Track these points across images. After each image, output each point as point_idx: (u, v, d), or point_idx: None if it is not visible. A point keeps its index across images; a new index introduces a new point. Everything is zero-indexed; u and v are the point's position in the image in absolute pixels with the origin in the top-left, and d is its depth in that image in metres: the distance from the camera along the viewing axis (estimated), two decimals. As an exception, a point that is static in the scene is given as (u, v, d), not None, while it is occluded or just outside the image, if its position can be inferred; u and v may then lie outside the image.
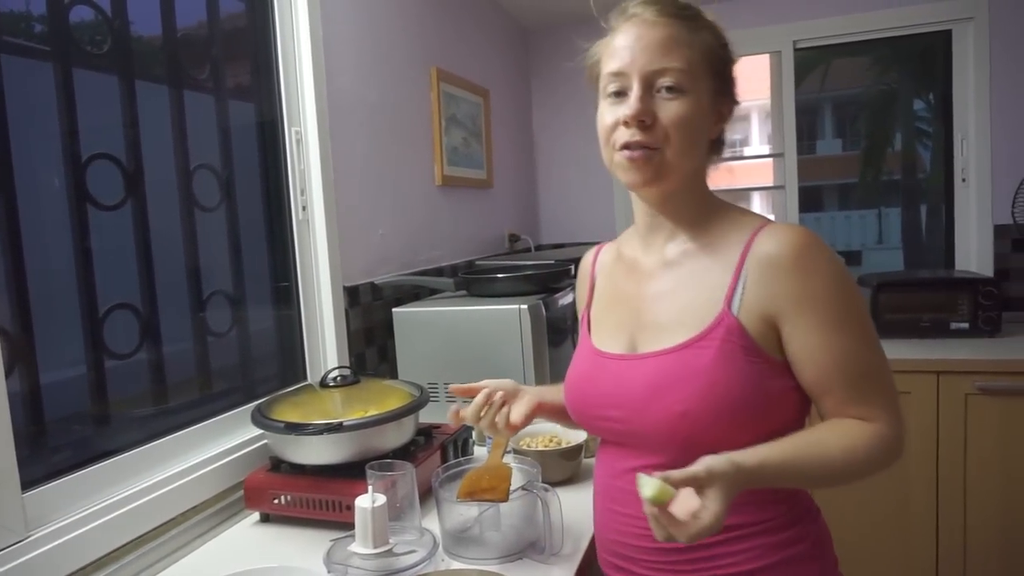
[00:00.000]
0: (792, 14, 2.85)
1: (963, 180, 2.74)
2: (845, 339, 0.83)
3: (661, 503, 0.71)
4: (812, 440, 0.82)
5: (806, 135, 3.05)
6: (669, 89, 0.85)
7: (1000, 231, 2.65)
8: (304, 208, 1.61)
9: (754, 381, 0.83)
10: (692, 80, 0.85)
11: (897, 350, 2.27)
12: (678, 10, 0.88)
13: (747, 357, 0.83)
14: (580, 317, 1.08)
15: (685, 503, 0.72)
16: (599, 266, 1.08)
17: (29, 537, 0.96)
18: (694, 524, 0.70)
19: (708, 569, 0.87)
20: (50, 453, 1.08)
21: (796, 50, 2.88)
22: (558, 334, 1.73)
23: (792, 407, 0.86)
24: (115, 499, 1.09)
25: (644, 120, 0.85)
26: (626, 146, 0.86)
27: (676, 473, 0.72)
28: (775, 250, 0.84)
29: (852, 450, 0.81)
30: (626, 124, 0.85)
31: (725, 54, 0.91)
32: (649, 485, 0.71)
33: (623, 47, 0.87)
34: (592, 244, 1.19)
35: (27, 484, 0.99)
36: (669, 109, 0.85)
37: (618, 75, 0.87)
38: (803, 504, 0.91)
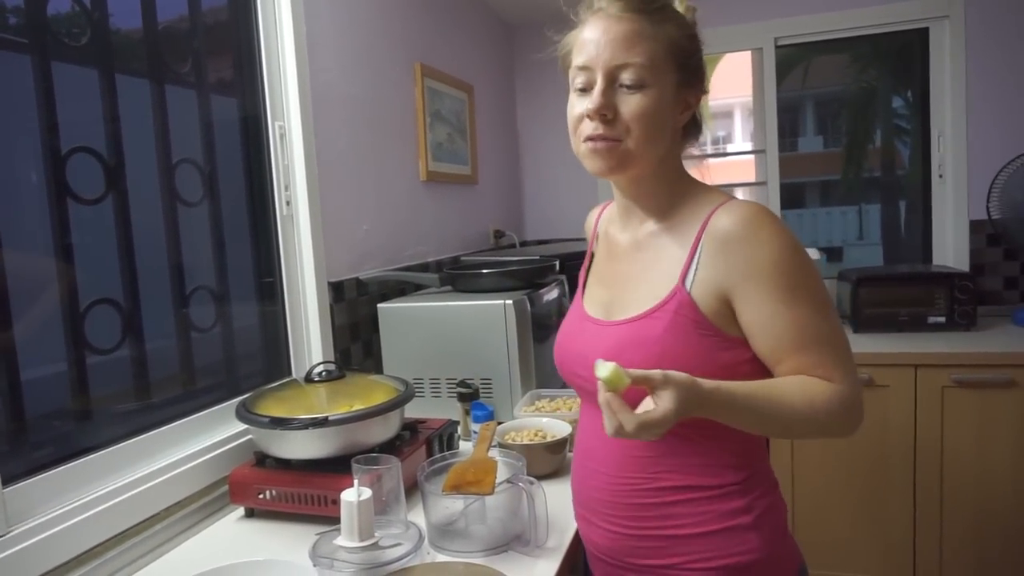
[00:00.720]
0: (773, 11, 2.88)
1: (940, 176, 2.78)
2: (796, 308, 0.85)
3: (613, 388, 0.75)
4: (771, 384, 0.85)
5: (788, 132, 3.08)
6: (631, 84, 0.88)
7: (976, 226, 2.69)
8: (288, 203, 1.60)
9: (703, 353, 0.87)
10: (654, 74, 0.88)
11: (876, 344, 2.30)
12: (643, 4, 0.90)
13: (698, 331, 0.87)
14: (580, 271, 1.14)
15: (645, 404, 0.77)
16: (600, 231, 1.12)
17: (10, 532, 0.95)
18: (644, 415, 0.75)
19: (655, 528, 0.92)
20: (31, 449, 1.07)
21: (777, 47, 2.91)
22: (543, 329, 1.74)
23: (742, 379, 0.88)
24: (98, 494, 1.09)
25: (605, 114, 0.88)
26: (590, 138, 0.90)
27: (634, 370, 0.76)
28: (725, 225, 0.87)
29: (811, 401, 0.84)
30: (589, 117, 0.89)
31: (691, 45, 0.93)
32: (605, 367, 0.75)
33: (589, 41, 0.90)
34: (576, 240, 1.22)
35: (8, 479, 0.98)
36: (630, 103, 0.88)
37: (584, 69, 0.91)
38: (758, 477, 0.94)
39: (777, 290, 0.84)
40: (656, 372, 0.76)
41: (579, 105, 0.91)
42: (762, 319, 0.86)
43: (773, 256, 0.85)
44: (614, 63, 0.88)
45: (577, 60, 0.91)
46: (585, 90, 0.91)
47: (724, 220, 0.87)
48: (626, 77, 0.88)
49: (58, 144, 1.12)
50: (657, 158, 0.93)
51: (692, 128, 0.99)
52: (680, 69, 0.91)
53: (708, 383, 0.79)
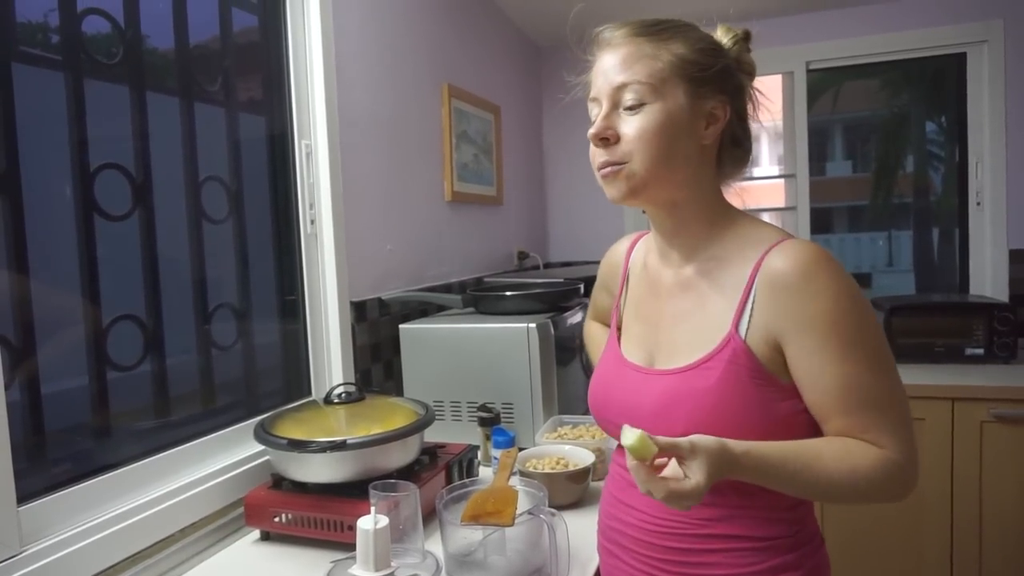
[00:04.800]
0: (806, 35, 2.85)
1: (978, 204, 2.71)
2: (848, 364, 0.79)
3: (639, 456, 0.73)
4: (810, 448, 0.79)
5: (816, 157, 3.04)
6: (630, 105, 0.86)
7: (1016, 255, 2.61)
8: (312, 222, 1.60)
9: (760, 404, 0.82)
10: (655, 92, 0.85)
11: (911, 375, 2.23)
12: (644, 28, 0.88)
13: (753, 380, 0.82)
14: (606, 308, 1.09)
15: (672, 467, 0.75)
16: (632, 265, 1.07)
17: (23, 552, 0.94)
18: (674, 484, 0.72)
19: (690, 573, 0.86)
20: (49, 465, 1.06)
21: (809, 71, 2.88)
22: (566, 353, 1.71)
23: (802, 430, 0.84)
24: (113, 514, 1.07)
25: (606, 138, 0.87)
26: (598, 166, 0.89)
27: (662, 438, 0.73)
28: (781, 268, 0.82)
29: (852, 469, 0.78)
30: (594, 144, 0.88)
31: (703, 58, 0.87)
32: (631, 435, 0.73)
33: (596, 73, 0.90)
34: (600, 263, 1.18)
35: (24, 497, 0.97)
36: (630, 124, 0.86)
37: (594, 100, 0.90)
38: (808, 531, 0.89)
39: (828, 344, 0.79)
40: (684, 441, 0.73)
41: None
42: (810, 372, 0.80)
43: (828, 307, 0.79)
44: (612, 86, 0.86)
45: (590, 93, 0.91)
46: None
47: (779, 263, 0.82)
48: (626, 98, 0.86)
49: (87, 160, 1.13)
50: (679, 180, 0.88)
51: (735, 152, 0.93)
52: (692, 82, 0.86)
53: (739, 446, 0.76)
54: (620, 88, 0.86)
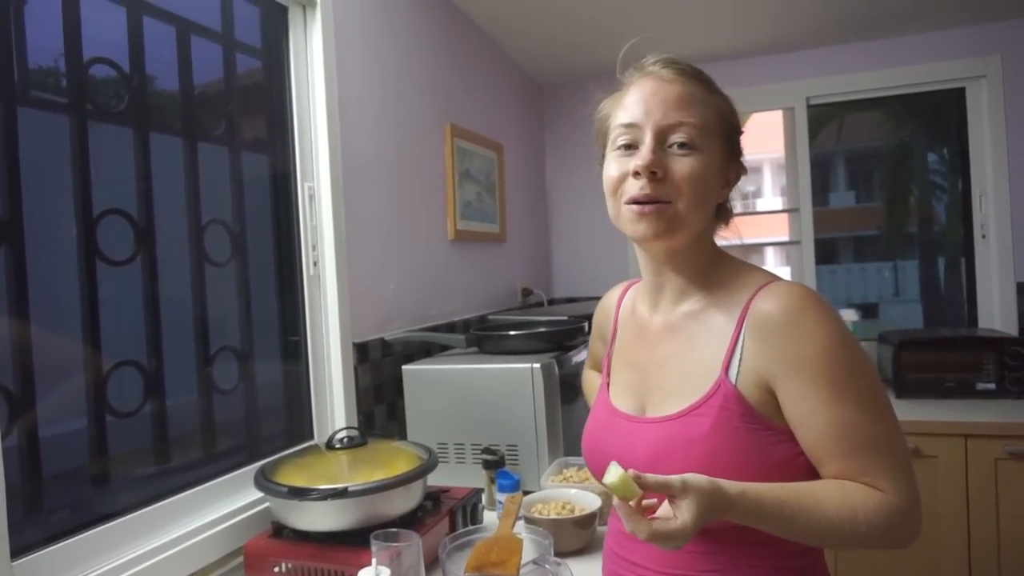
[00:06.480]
0: (805, 71, 2.88)
1: (983, 236, 2.70)
2: (840, 407, 0.77)
3: (621, 496, 0.72)
4: (808, 490, 0.77)
5: (819, 187, 3.05)
6: (682, 145, 0.84)
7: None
8: (315, 264, 1.60)
9: (755, 449, 0.80)
10: (705, 139, 0.84)
11: (922, 411, 2.20)
12: (695, 72, 0.88)
13: (746, 425, 0.80)
14: (602, 357, 1.07)
15: (664, 509, 0.73)
16: (622, 312, 1.06)
17: (16, 609, 0.92)
18: (658, 524, 0.71)
19: None
20: (45, 515, 1.04)
21: (809, 107, 2.90)
22: (571, 392, 1.69)
23: (800, 474, 0.82)
24: (110, 566, 1.05)
25: (656, 172, 0.83)
26: (635, 200, 0.84)
27: (651, 476, 0.72)
28: (769, 310, 0.81)
29: (851, 512, 0.76)
30: (636, 175, 0.84)
31: (736, 121, 0.91)
32: (613, 474, 0.72)
33: (637, 100, 0.86)
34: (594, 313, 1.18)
35: (18, 551, 0.95)
36: (682, 164, 0.83)
37: (630, 127, 0.86)
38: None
39: (819, 386, 0.77)
40: (675, 479, 0.71)
41: (620, 165, 0.86)
42: (803, 416, 0.79)
43: (816, 349, 0.78)
44: (666, 122, 0.84)
45: (622, 119, 0.87)
46: (629, 147, 0.86)
47: (766, 305, 0.81)
48: (677, 137, 0.83)
49: (90, 205, 1.13)
50: (699, 229, 0.88)
51: (722, 209, 0.94)
52: (727, 140, 0.88)
53: (734, 487, 0.74)
54: (673, 126, 0.84)
